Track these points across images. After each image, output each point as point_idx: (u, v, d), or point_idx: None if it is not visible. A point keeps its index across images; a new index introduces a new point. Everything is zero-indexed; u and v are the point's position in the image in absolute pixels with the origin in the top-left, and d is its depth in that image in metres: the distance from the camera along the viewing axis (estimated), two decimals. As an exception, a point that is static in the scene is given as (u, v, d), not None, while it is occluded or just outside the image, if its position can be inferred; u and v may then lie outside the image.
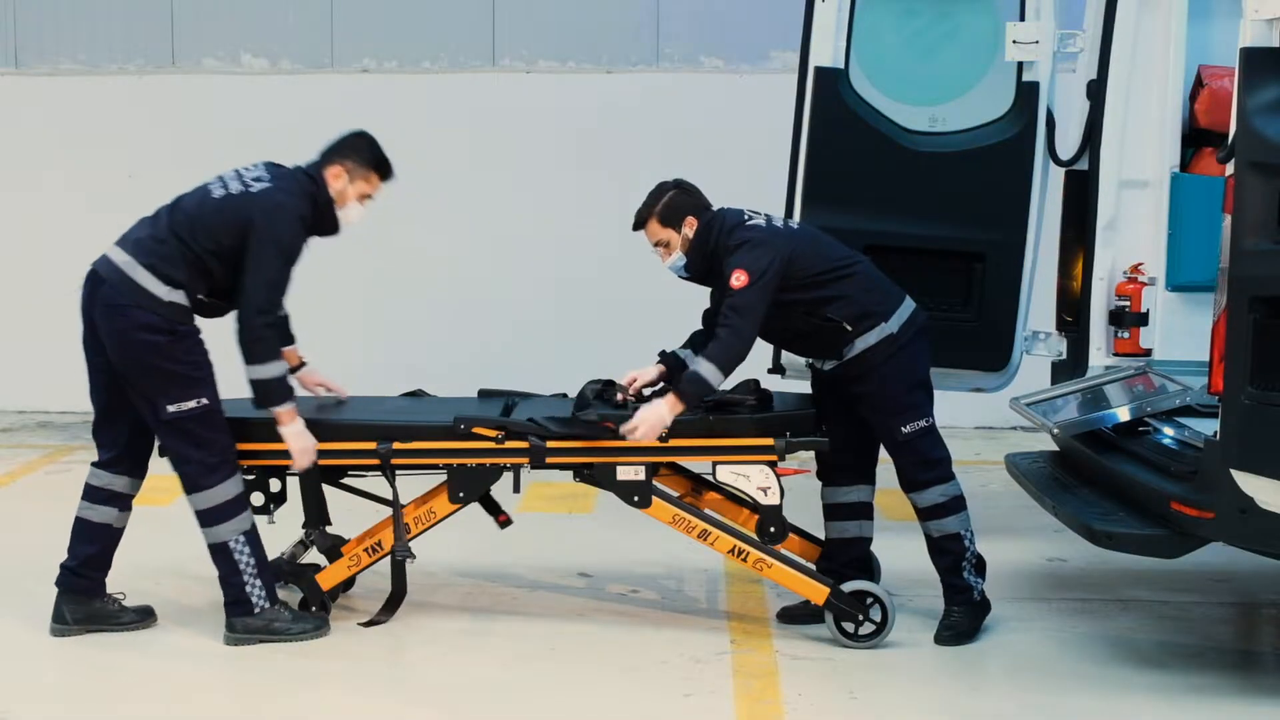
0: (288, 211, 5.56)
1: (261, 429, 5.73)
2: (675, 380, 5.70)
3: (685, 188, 5.83)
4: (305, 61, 10.50)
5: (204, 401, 5.51)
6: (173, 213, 5.63)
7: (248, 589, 5.53)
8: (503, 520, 5.97)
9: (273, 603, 5.58)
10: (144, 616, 5.77)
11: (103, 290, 5.49)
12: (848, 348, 5.66)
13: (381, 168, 5.76)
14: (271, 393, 5.52)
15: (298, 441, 5.54)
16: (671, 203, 5.76)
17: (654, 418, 5.54)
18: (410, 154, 10.31)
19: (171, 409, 5.46)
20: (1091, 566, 6.67)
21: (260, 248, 5.48)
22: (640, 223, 5.81)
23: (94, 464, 5.76)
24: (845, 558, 5.92)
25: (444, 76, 10.40)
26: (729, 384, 5.67)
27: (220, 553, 5.54)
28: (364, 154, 5.74)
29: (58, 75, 10.22)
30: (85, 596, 5.70)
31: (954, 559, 5.73)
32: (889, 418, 5.68)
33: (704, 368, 5.51)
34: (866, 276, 5.75)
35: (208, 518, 5.52)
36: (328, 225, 5.72)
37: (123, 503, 5.72)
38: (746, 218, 5.73)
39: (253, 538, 5.57)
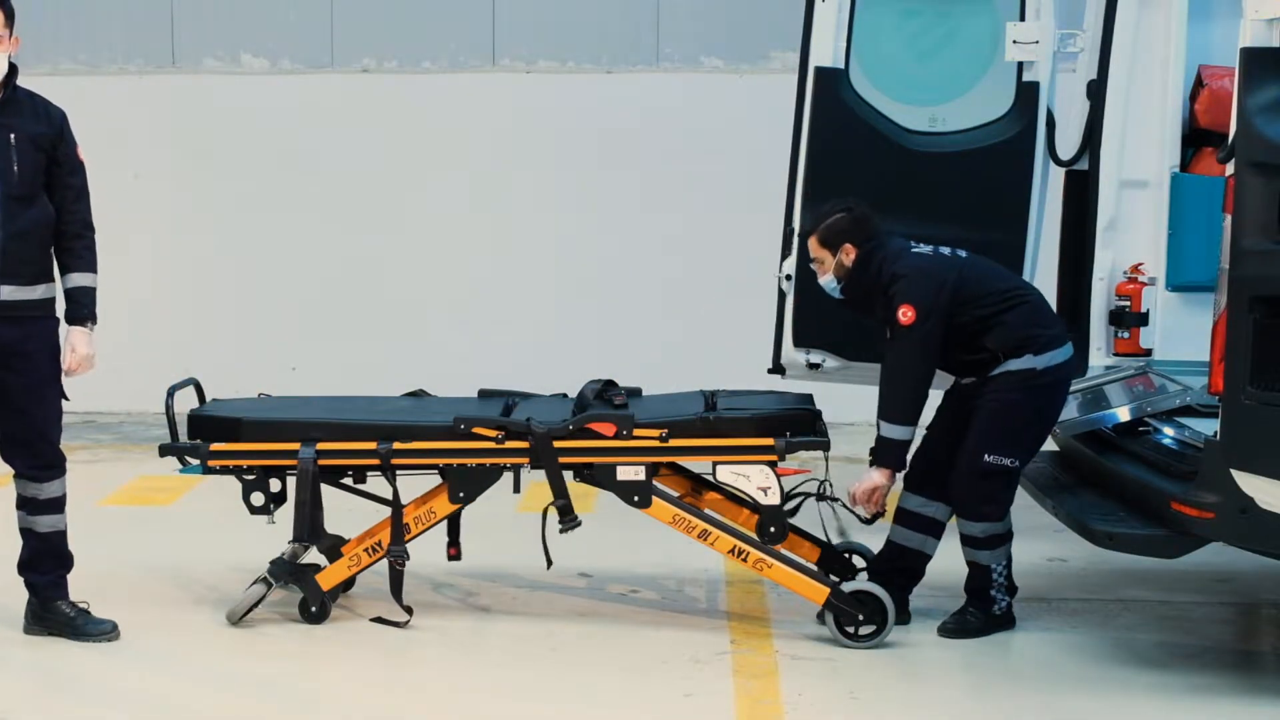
0: None
1: (257, 429, 5.74)
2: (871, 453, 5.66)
3: (856, 214, 5.75)
4: (305, 61, 10.51)
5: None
6: None
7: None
8: (453, 554, 5.97)
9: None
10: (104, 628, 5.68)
11: None
12: (991, 367, 5.60)
13: None
14: None
15: None
16: (835, 225, 5.74)
17: (869, 484, 5.60)
18: (410, 154, 10.43)
19: None
20: (1091, 566, 6.67)
21: None
22: (804, 234, 5.90)
23: None
24: (899, 565, 5.86)
25: (444, 76, 10.40)
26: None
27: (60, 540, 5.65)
28: None
29: (58, 75, 10.21)
30: (38, 597, 5.67)
31: (979, 584, 5.75)
32: (982, 438, 5.59)
33: (886, 430, 5.53)
34: (1040, 306, 5.71)
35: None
36: None
37: (30, 506, 5.63)
38: (911, 246, 5.70)
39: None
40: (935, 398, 5.83)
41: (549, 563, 5.87)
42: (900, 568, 5.87)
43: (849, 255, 5.72)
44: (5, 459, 5.64)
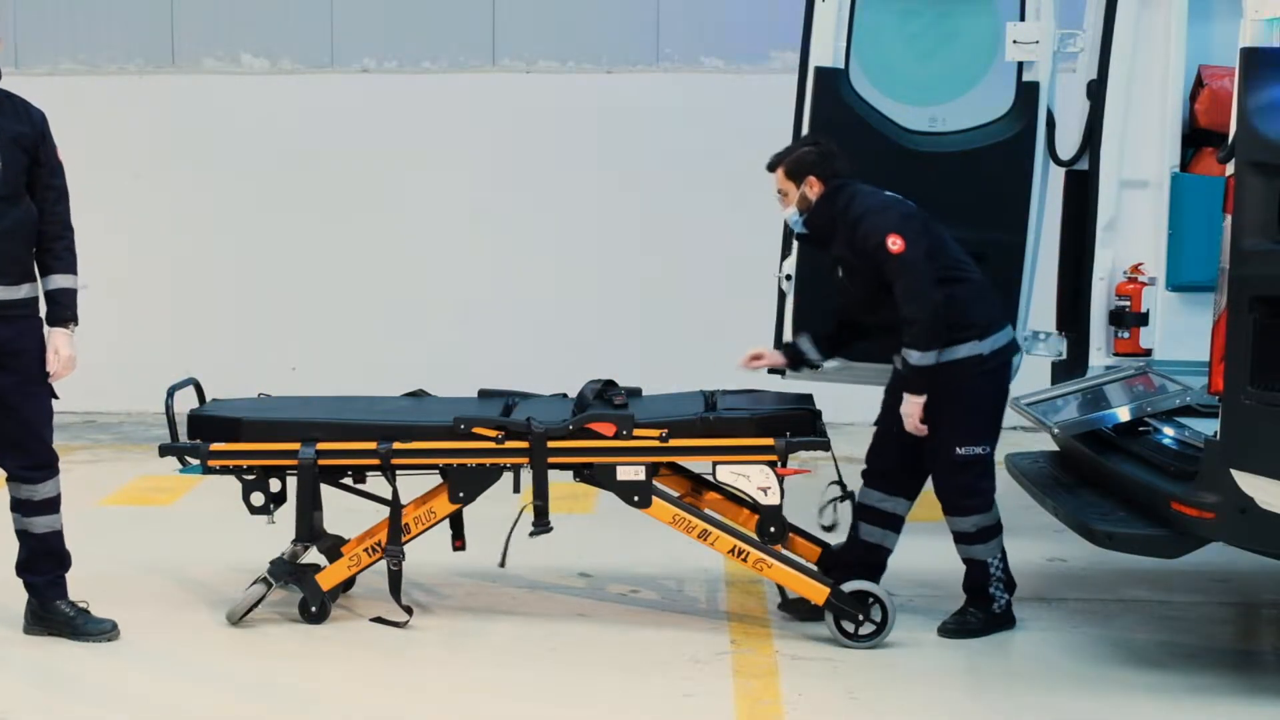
0: None
1: (257, 429, 5.74)
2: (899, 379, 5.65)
3: (824, 149, 5.81)
4: (305, 61, 10.50)
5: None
6: None
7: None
8: (459, 545, 5.99)
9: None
10: (106, 627, 5.68)
11: None
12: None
13: None
14: None
15: None
16: (803, 157, 5.78)
17: (918, 410, 5.57)
18: (410, 154, 10.42)
19: None
20: (1091, 566, 6.67)
21: None
22: (771, 166, 5.85)
23: None
24: (857, 558, 5.89)
25: (444, 76, 10.40)
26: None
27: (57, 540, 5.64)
28: None
29: (58, 75, 10.21)
30: (38, 598, 5.69)
31: (978, 581, 5.75)
32: (949, 435, 5.62)
33: (919, 360, 5.50)
34: (982, 287, 5.74)
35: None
36: None
37: (25, 508, 5.64)
38: (878, 190, 5.75)
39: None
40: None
41: (503, 561, 5.87)
42: (863, 561, 5.88)
43: (813, 188, 5.76)
44: (3, 464, 5.64)
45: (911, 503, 5.91)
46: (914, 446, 5.73)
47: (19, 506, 5.64)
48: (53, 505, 5.66)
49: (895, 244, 5.51)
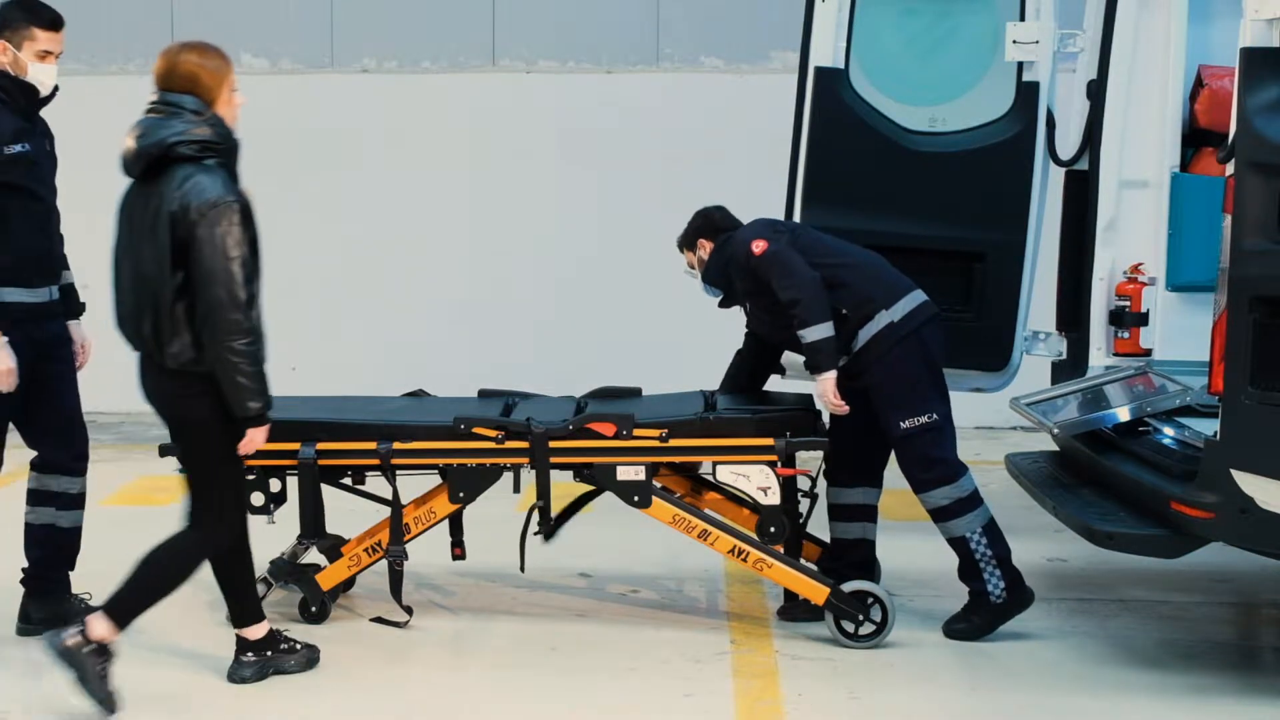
0: None
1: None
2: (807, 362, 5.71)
3: (704, 212, 6.11)
4: (305, 61, 10.51)
5: None
6: None
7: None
8: (458, 554, 5.98)
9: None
10: None
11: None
12: (852, 340, 5.66)
13: (39, 19, 5.48)
14: None
15: None
16: (688, 229, 6.08)
17: (829, 388, 5.62)
18: (410, 154, 10.42)
19: None
20: (1091, 566, 6.67)
21: None
22: (679, 247, 6.17)
23: (30, 466, 5.81)
24: (847, 559, 5.91)
25: (444, 76, 10.40)
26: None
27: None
28: (16, 17, 5.49)
29: (58, 75, 10.22)
30: (50, 596, 5.72)
31: (966, 562, 5.72)
32: (889, 411, 5.66)
33: (812, 336, 5.57)
34: (871, 267, 5.79)
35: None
36: (24, 96, 5.49)
37: (59, 501, 5.71)
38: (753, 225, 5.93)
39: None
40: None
41: (522, 566, 5.90)
42: (848, 561, 5.89)
43: (705, 249, 5.99)
44: (43, 456, 5.71)
45: (879, 490, 5.94)
46: (867, 433, 5.74)
47: (52, 500, 5.69)
48: (84, 500, 5.76)
49: (758, 246, 5.70)
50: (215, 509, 5.04)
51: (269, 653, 5.28)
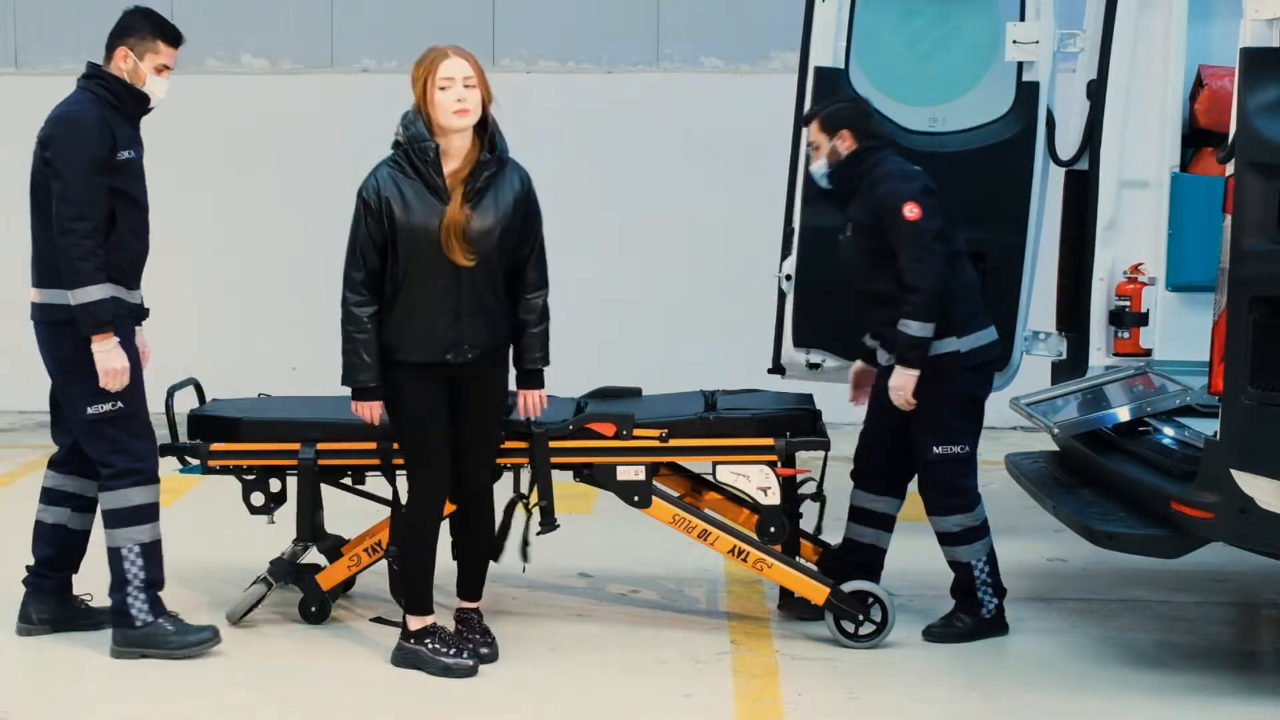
0: (72, 122, 5.46)
1: (257, 429, 5.74)
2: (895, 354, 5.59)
3: (862, 107, 5.85)
4: (305, 61, 10.50)
5: (119, 405, 5.45)
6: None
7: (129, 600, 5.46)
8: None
9: (156, 616, 5.48)
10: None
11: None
12: None
13: (165, 34, 5.63)
14: (92, 317, 5.39)
15: (102, 361, 5.39)
16: (838, 111, 5.77)
17: (910, 384, 5.52)
18: (410, 154, 10.40)
19: (91, 410, 5.43)
20: (1091, 566, 6.67)
21: (59, 164, 5.39)
22: (806, 119, 5.87)
23: (49, 464, 5.80)
24: (853, 559, 5.89)
25: (444, 76, 10.39)
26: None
27: (114, 558, 5.47)
28: (143, 28, 5.61)
29: (58, 75, 10.17)
30: (51, 596, 5.71)
31: (964, 584, 5.74)
32: (925, 434, 5.62)
33: (919, 330, 5.48)
34: (967, 290, 5.71)
35: (109, 520, 5.48)
36: (136, 105, 5.63)
37: (75, 503, 5.70)
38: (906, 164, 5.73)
39: (150, 551, 5.47)
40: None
41: (525, 564, 5.88)
42: (854, 562, 5.87)
43: (844, 142, 5.71)
44: (67, 454, 5.69)
45: (901, 501, 5.91)
46: (900, 445, 5.73)
47: (68, 500, 5.71)
48: (95, 506, 5.72)
49: (912, 211, 5.48)
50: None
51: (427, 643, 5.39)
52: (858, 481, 5.92)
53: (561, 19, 10.38)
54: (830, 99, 5.88)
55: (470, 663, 5.32)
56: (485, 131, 5.36)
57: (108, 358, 5.38)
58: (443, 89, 5.24)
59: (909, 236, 5.49)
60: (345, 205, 10.93)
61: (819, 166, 5.77)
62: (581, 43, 10.37)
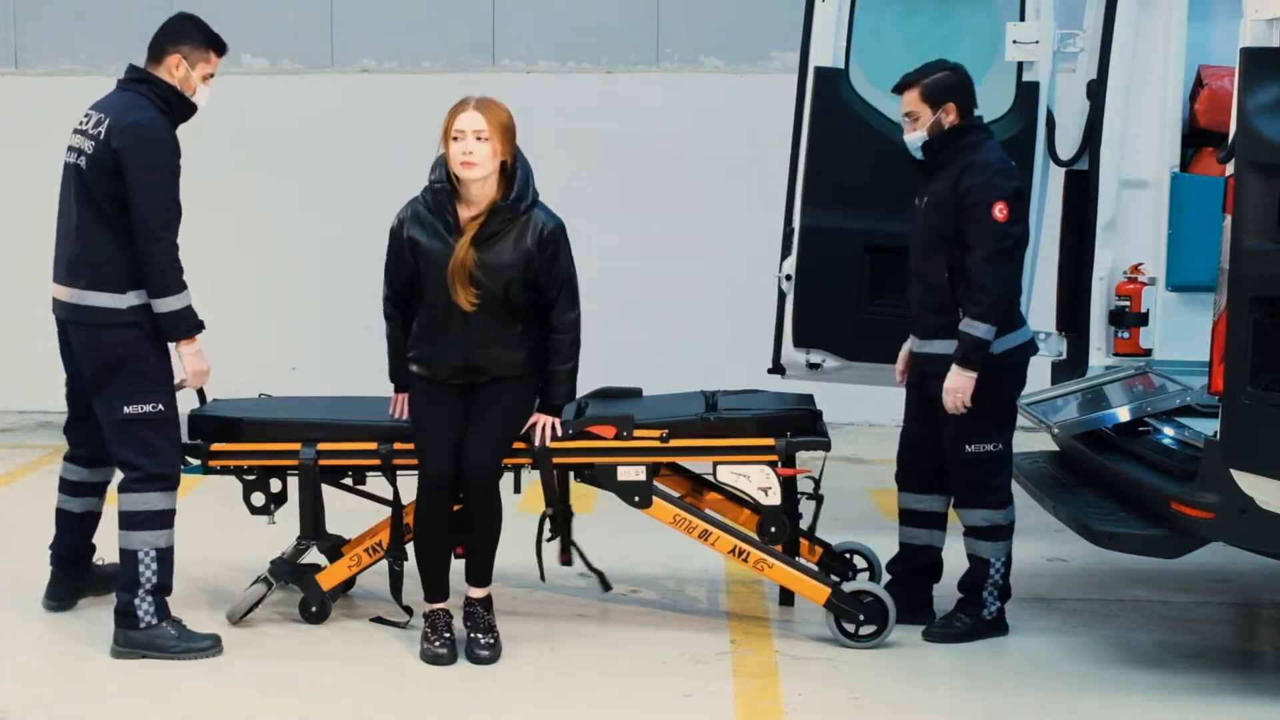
0: (149, 130, 5.49)
1: (257, 430, 5.74)
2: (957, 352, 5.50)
3: (965, 77, 5.64)
4: (305, 61, 10.50)
5: (159, 407, 5.45)
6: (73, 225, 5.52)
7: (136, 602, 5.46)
8: (460, 554, 5.85)
9: (161, 620, 5.46)
10: None
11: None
12: (948, 342, 5.54)
13: (216, 45, 5.73)
14: (185, 322, 5.44)
15: (193, 363, 5.50)
16: (942, 81, 5.59)
17: (968, 386, 5.45)
18: (411, 154, 10.36)
19: (128, 410, 5.43)
20: (1091, 566, 6.67)
21: (141, 173, 5.40)
22: (903, 87, 5.63)
23: (65, 458, 5.85)
24: (914, 564, 5.86)
25: (444, 76, 10.39)
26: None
27: (127, 560, 5.45)
28: (196, 37, 5.67)
29: (58, 75, 10.21)
30: (74, 569, 5.85)
31: (975, 579, 5.72)
32: (958, 432, 5.59)
33: (984, 332, 5.42)
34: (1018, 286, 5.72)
35: (127, 521, 5.46)
36: (184, 113, 5.68)
37: (100, 490, 5.85)
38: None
39: (164, 556, 5.46)
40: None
41: (542, 575, 5.91)
42: (914, 567, 5.86)
43: (950, 115, 5.57)
44: (93, 450, 5.73)
45: (948, 498, 5.84)
46: (935, 446, 5.71)
47: (95, 491, 5.84)
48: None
49: (1001, 211, 5.41)
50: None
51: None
52: (902, 484, 5.89)
53: (561, 19, 10.38)
54: (930, 65, 5.64)
55: (442, 651, 5.43)
56: (509, 178, 5.55)
57: (196, 360, 5.52)
58: (454, 139, 5.57)
59: (991, 235, 5.43)
60: (345, 205, 11.00)
61: (916, 136, 5.59)
62: (581, 43, 10.38)
